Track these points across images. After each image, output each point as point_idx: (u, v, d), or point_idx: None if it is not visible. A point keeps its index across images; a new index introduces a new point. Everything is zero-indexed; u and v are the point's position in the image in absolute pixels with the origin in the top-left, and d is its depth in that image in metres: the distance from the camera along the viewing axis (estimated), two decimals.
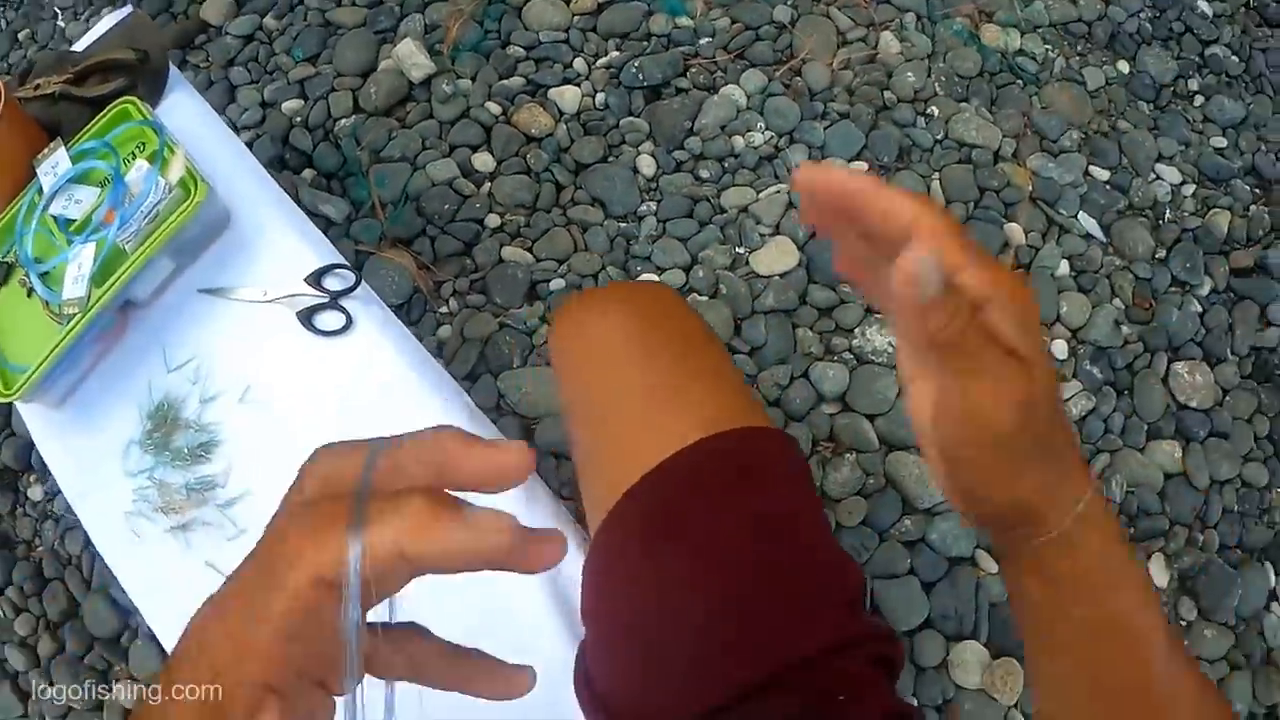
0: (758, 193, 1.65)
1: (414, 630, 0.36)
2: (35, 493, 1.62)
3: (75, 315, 1.01)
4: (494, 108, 1.71)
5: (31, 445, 1.63)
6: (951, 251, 0.39)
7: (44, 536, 1.59)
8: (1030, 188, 1.71)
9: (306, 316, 1.04)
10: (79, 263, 1.04)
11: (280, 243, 1.09)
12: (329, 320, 1.04)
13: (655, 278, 1.58)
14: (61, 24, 2.03)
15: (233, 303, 1.06)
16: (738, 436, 0.74)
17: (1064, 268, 1.64)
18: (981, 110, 1.78)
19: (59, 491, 1.56)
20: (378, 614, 0.33)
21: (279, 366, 1.03)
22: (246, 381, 1.03)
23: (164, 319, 1.08)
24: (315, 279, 1.06)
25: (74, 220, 1.08)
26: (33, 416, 1.11)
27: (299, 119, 1.72)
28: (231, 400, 1.03)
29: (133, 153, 1.11)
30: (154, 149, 1.08)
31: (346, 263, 1.09)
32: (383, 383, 1.02)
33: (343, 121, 1.70)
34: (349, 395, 1.02)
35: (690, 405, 0.75)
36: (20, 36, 2.07)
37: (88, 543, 1.54)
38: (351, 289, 1.06)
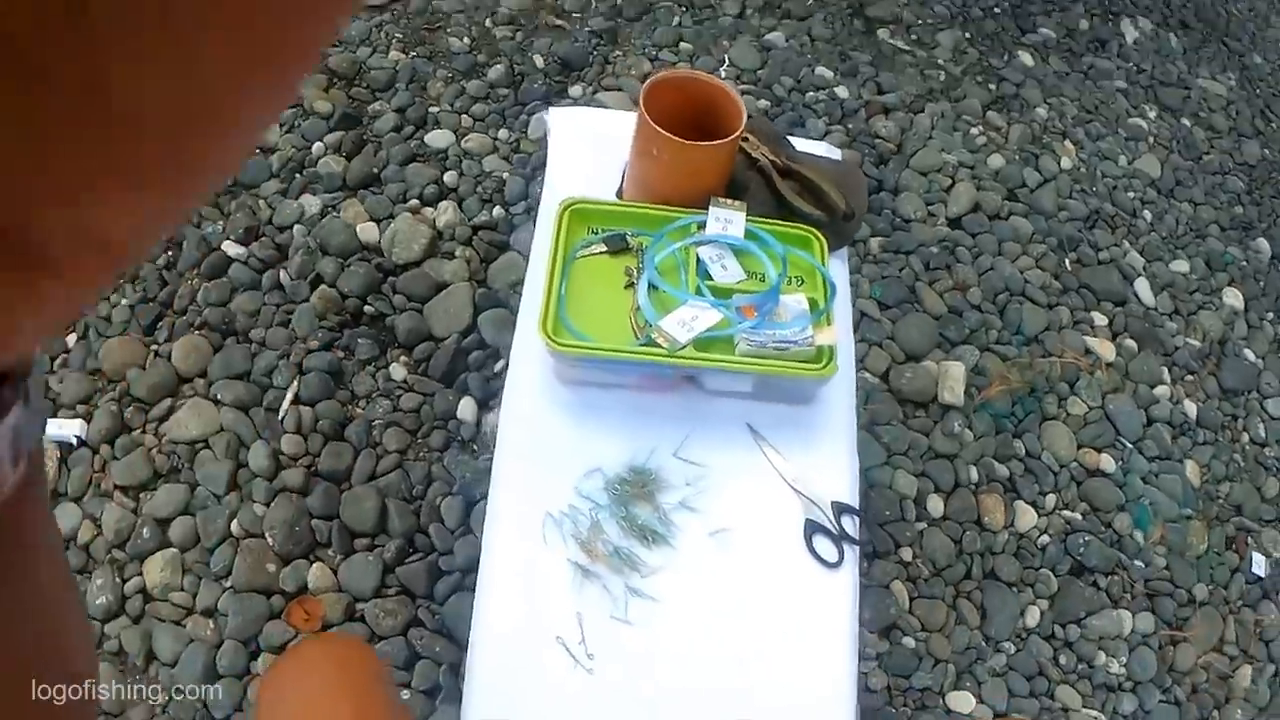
0: None
1: None
2: (397, 371, 1.72)
3: (657, 348, 1.06)
4: (974, 474, 1.72)
5: (429, 339, 1.75)
6: None
7: (375, 406, 1.68)
8: None
9: (811, 531, 1.04)
10: (695, 315, 1.08)
11: (832, 454, 1.10)
12: (825, 548, 1.03)
13: None
14: None
15: (766, 460, 1.08)
16: None
17: None
18: None
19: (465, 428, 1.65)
20: None
21: (760, 544, 1.03)
22: (729, 525, 1.03)
23: (708, 415, 1.11)
24: (838, 510, 1.06)
25: (711, 279, 1.15)
26: (528, 364, 1.14)
27: None
28: (705, 527, 1.03)
29: (793, 280, 1.18)
30: (816, 297, 1.14)
31: (862, 514, 1.09)
32: (815, 634, 1.00)
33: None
34: (796, 619, 1.00)
35: None
36: None
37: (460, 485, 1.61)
38: (856, 542, 1.05)
